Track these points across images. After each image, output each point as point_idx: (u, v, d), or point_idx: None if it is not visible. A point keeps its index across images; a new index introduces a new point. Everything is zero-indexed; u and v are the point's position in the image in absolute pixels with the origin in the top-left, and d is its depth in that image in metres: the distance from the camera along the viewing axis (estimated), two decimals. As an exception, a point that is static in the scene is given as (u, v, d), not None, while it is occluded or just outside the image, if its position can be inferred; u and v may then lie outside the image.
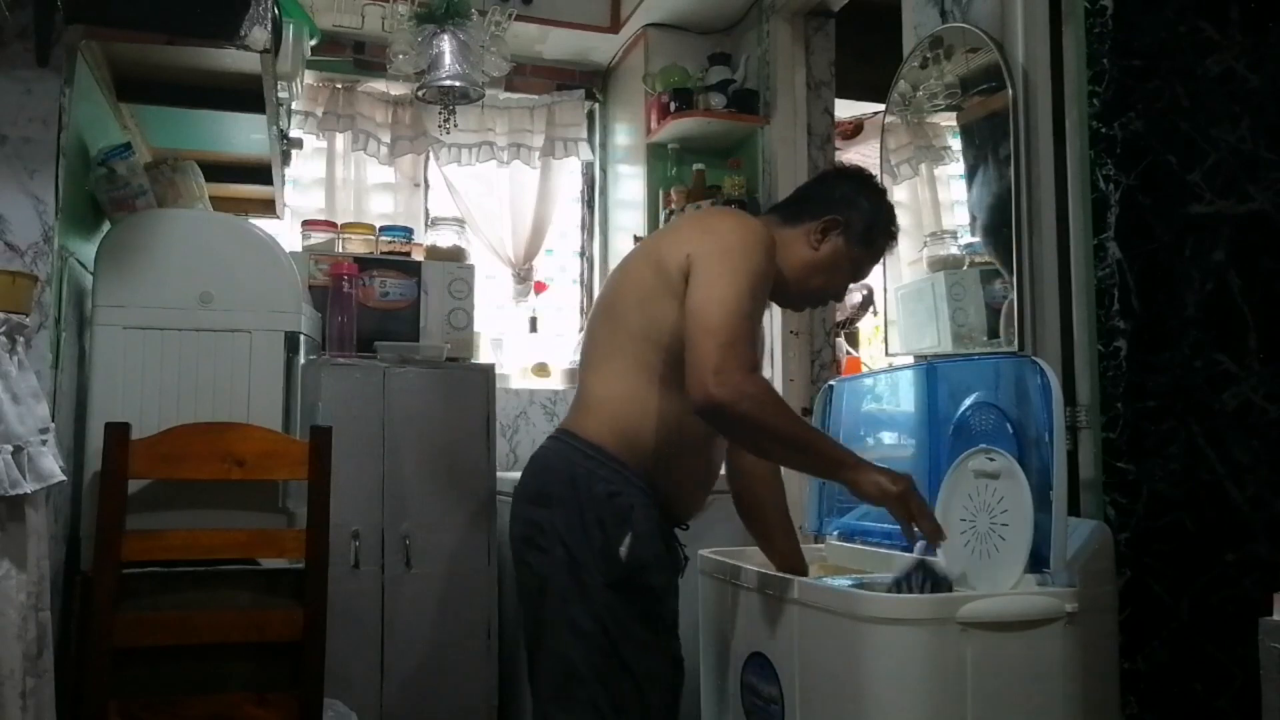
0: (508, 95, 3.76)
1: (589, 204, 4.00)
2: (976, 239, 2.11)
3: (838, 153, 3.71)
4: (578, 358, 1.83)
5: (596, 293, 3.92)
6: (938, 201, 2.32)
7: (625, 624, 1.57)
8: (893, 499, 1.55)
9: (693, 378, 1.50)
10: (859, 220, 1.75)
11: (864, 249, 1.77)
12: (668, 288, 1.61)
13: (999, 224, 1.98)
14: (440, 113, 2.92)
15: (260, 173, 2.71)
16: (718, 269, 1.56)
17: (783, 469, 1.87)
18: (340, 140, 3.60)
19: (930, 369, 2.00)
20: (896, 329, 2.36)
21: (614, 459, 1.61)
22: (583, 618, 1.55)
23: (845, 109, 3.78)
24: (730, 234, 1.62)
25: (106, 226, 2.18)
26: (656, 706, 1.61)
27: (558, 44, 3.68)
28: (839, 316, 3.65)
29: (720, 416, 1.50)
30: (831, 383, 2.28)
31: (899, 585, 1.63)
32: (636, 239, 3.50)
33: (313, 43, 2.98)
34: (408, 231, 3.15)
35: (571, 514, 1.58)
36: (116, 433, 1.89)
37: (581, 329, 3.77)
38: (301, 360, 2.26)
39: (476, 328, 3.11)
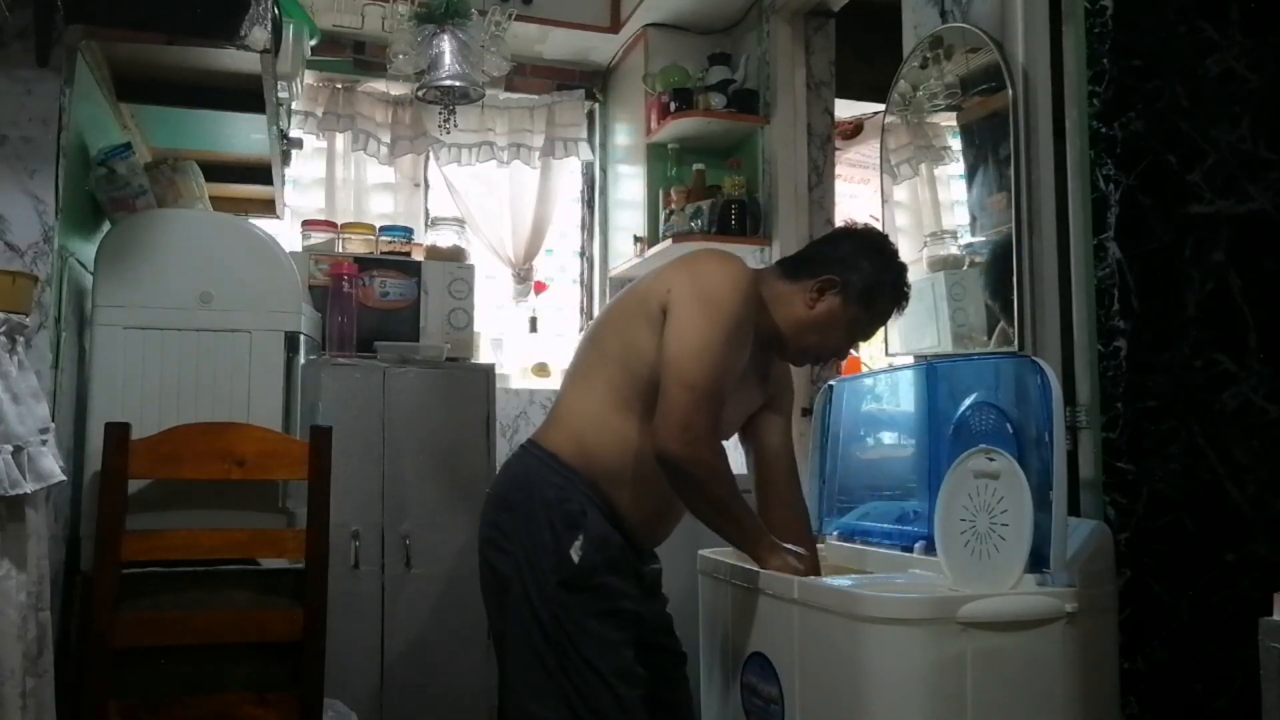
0: (508, 95, 3.76)
1: (589, 204, 4.00)
2: (976, 239, 2.11)
3: (838, 152, 3.71)
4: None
5: (597, 293, 3.92)
6: (938, 201, 2.32)
7: (580, 621, 1.62)
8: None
9: (661, 426, 1.60)
10: (858, 281, 1.75)
11: (862, 310, 1.77)
12: (645, 317, 1.68)
13: (1001, 276, 1.97)
14: (440, 113, 2.92)
15: (260, 173, 2.71)
16: (696, 316, 1.62)
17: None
18: (340, 140, 3.60)
19: (930, 369, 2.00)
20: (896, 329, 2.36)
21: (566, 467, 1.68)
22: (543, 613, 1.62)
23: (845, 109, 3.78)
24: (711, 279, 1.66)
25: (106, 226, 2.18)
26: (632, 700, 1.63)
27: (558, 44, 3.68)
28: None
29: (673, 470, 1.62)
30: (831, 383, 2.28)
31: None
32: (637, 239, 3.50)
33: (313, 43, 2.98)
34: (408, 231, 3.15)
35: (528, 517, 1.66)
36: (116, 433, 1.89)
37: (581, 330, 3.77)
38: (301, 360, 2.26)
39: (476, 328, 3.10)
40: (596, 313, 1.90)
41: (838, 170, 3.63)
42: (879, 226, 2.45)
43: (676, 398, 1.59)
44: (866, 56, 3.46)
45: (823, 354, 1.86)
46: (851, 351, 2.01)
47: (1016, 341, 1.91)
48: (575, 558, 1.62)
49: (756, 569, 1.80)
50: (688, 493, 1.66)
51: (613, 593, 1.65)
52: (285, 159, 2.90)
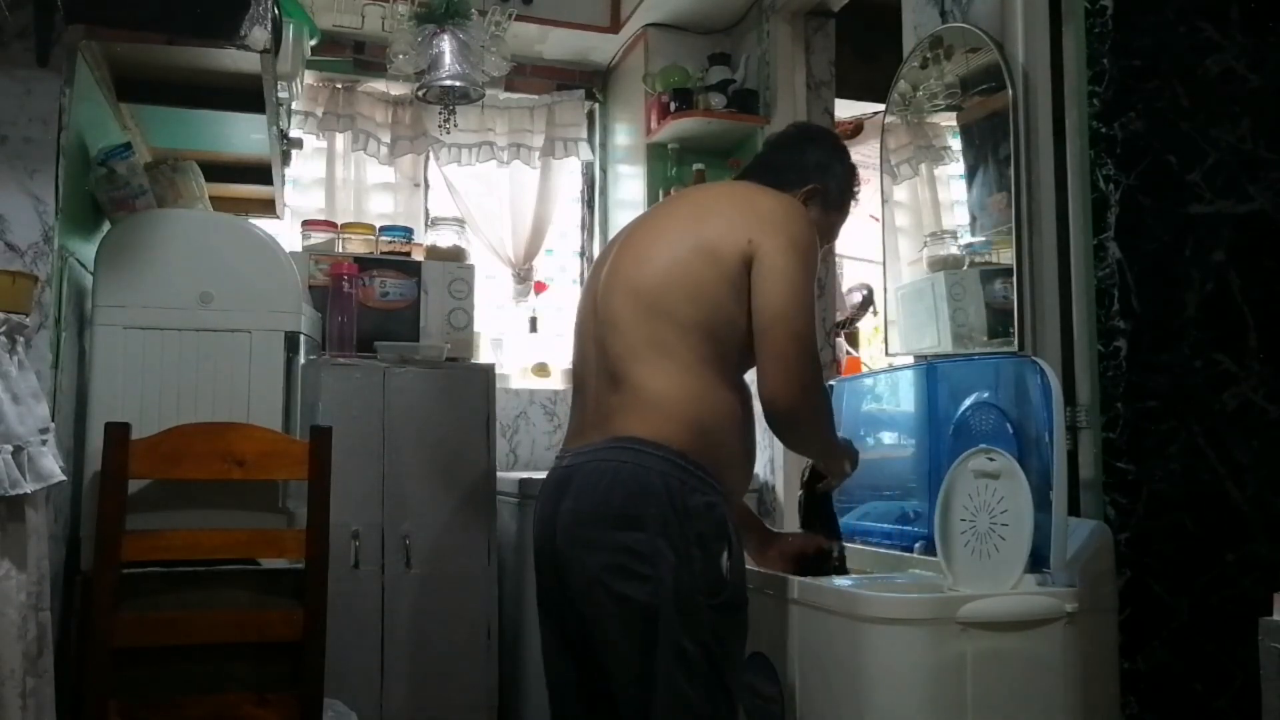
0: (508, 95, 3.76)
1: (589, 204, 4.00)
2: (976, 239, 2.11)
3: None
4: (577, 348, 1.69)
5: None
6: (938, 201, 2.32)
7: (729, 645, 1.46)
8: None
9: (781, 385, 1.47)
10: (835, 185, 1.75)
11: (838, 213, 1.78)
12: (724, 279, 1.51)
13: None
14: (440, 113, 2.92)
15: (260, 173, 2.71)
16: (794, 265, 1.50)
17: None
18: (340, 140, 3.60)
19: (930, 369, 2.00)
20: (896, 329, 2.36)
21: (700, 466, 1.47)
22: (691, 646, 1.41)
23: (845, 109, 3.78)
24: (795, 227, 1.55)
25: (106, 226, 2.18)
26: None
27: (558, 44, 3.68)
28: (839, 316, 3.65)
29: (793, 423, 1.53)
30: (831, 383, 2.28)
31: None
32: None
33: (313, 43, 2.98)
34: (408, 231, 3.15)
35: (673, 534, 1.42)
36: (116, 433, 1.89)
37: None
38: (301, 360, 2.26)
39: (476, 328, 3.11)
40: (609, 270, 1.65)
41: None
42: (879, 226, 2.45)
43: (793, 353, 1.47)
44: (866, 56, 3.46)
45: None
46: (851, 351, 2.01)
47: (1016, 341, 1.91)
48: (728, 574, 1.44)
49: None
50: (802, 439, 1.64)
51: (746, 603, 1.51)
52: (285, 159, 2.90)
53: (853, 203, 1.81)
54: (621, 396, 1.52)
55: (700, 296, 1.51)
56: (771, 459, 3.10)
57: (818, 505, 1.84)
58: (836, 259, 3.73)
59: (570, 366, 3.48)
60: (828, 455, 1.73)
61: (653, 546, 1.41)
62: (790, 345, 1.47)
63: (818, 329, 3.12)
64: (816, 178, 1.72)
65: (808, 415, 1.52)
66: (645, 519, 1.42)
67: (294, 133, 3.15)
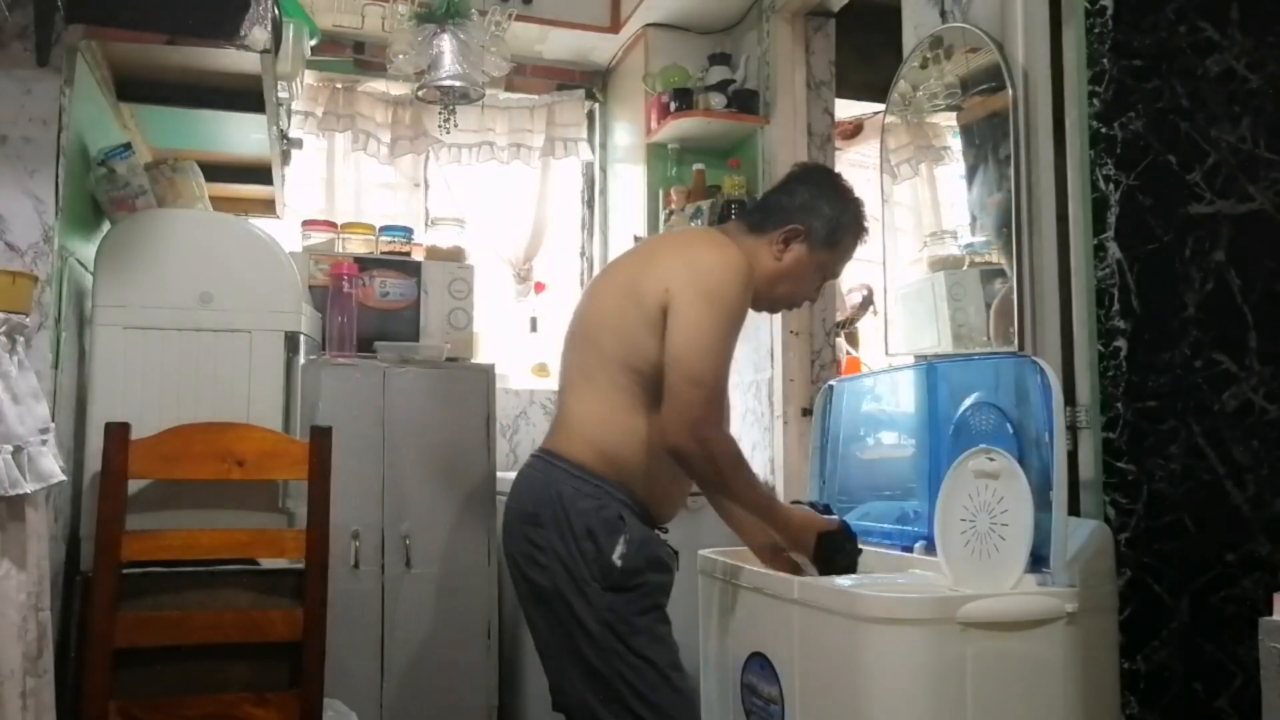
0: (508, 95, 3.76)
1: (589, 204, 4.00)
2: (976, 239, 2.11)
3: (838, 152, 3.71)
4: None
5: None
6: (938, 201, 2.32)
7: (630, 620, 1.64)
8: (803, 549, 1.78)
9: (671, 422, 1.63)
10: (821, 226, 1.81)
11: (829, 252, 1.84)
12: (644, 321, 1.69)
13: (999, 224, 1.98)
14: (440, 113, 2.92)
15: (260, 173, 2.71)
16: (700, 314, 1.65)
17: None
18: (340, 140, 3.60)
19: (930, 369, 2.00)
20: (896, 329, 2.36)
21: (594, 475, 1.70)
22: (591, 623, 1.63)
23: (845, 109, 3.78)
24: (711, 274, 1.68)
25: (106, 226, 2.18)
26: (688, 690, 1.68)
27: (558, 44, 3.68)
28: (839, 316, 3.65)
29: (687, 463, 1.66)
30: (831, 383, 2.28)
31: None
32: (636, 239, 3.50)
33: (313, 43, 2.98)
34: (408, 231, 3.15)
35: (563, 529, 1.67)
36: (116, 433, 1.89)
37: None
38: (301, 360, 2.26)
39: (476, 328, 3.10)
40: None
41: (838, 170, 3.62)
42: (879, 226, 2.45)
43: (685, 396, 1.62)
44: (866, 56, 3.46)
45: (795, 301, 1.91)
46: (851, 351, 2.03)
47: (1016, 341, 1.91)
48: (619, 561, 1.64)
49: (756, 569, 1.80)
50: (704, 483, 1.74)
51: (656, 589, 1.69)
52: (285, 159, 2.90)
53: (856, 241, 1.88)
54: (557, 415, 1.83)
55: (623, 334, 1.71)
56: (771, 458, 3.10)
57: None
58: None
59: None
60: (745, 506, 1.78)
61: (547, 539, 1.68)
62: (683, 388, 1.62)
63: (817, 329, 3.15)
64: (799, 218, 1.81)
65: (697, 454, 1.63)
66: (542, 517, 1.69)
67: (294, 133, 3.15)
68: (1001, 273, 1.98)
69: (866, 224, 1.88)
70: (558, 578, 1.66)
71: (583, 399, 1.76)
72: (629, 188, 3.71)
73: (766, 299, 1.86)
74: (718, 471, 1.67)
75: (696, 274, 1.68)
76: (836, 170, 2.01)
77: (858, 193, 1.91)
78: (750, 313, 1.80)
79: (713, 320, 1.65)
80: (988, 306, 2.05)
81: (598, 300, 1.82)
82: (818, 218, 1.81)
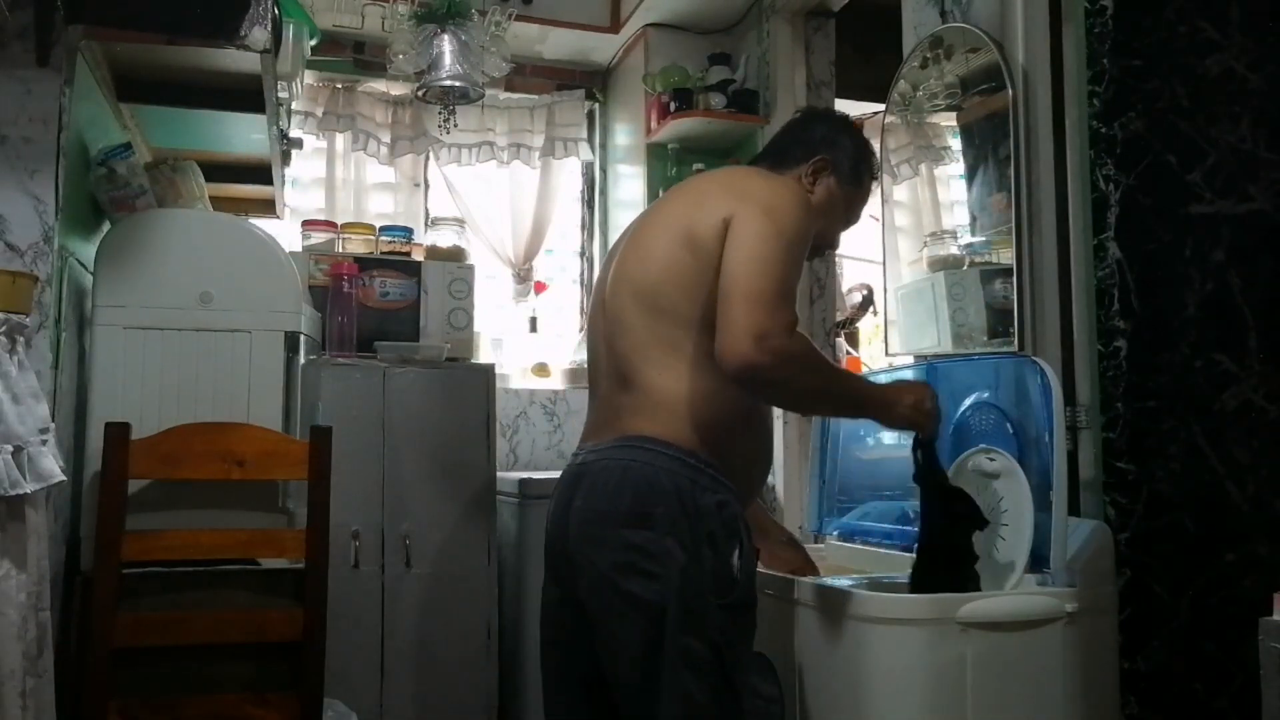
0: (508, 95, 3.76)
1: (589, 204, 4.00)
2: (976, 239, 2.11)
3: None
4: (590, 346, 1.68)
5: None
6: (938, 201, 2.32)
7: (737, 646, 1.44)
8: (920, 420, 1.58)
9: (727, 342, 1.37)
10: (845, 158, 1.68)
11: (854, 187, 1.70)
12: (711, 266, 1.45)
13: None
14: (440, 113, 2.92)
15: (260, 173, 2.71)
16: (758, 229, 1.43)
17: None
18: (340, 140, 3.60)
19: (930, 369, 2.00)
20: (896, 329, 2.36)
21: (710, 464, 1.45)
22: (699, 646, 1.39)
23: (845, 109, 3.77)
24: (770, 194, 1.50)
25: (106, 226, 2.18)
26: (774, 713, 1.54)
27: (558, 44, 3.68)
28: (839, 316, 3.65)
29: (760, 381, 1.39)
30: (831, 383, 2.27)
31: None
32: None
33: (313, 43, 2.98)
34: (408, 231, 3.15)
35: (682, 532, 1.40)
36: (116, 433, 1.89)
37: (582, 328, 3.77)
38: (301, 360, 2.26)
39: (476, 328, 3.10)
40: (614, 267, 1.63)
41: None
42: (879, 226, 2.45)
43: (739, 309, 1.37)
44: (866, 56, 3.46)
45: (826, 242, 1.73)
46: (851, 351, 2.01)
47: (1016, 341, 1.91)
48: (736, 571, 1.42)
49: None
50: (788, 399, 1.55)
51: (756, 603, 1.49)
52: (285, 159, 2.90)
53: (872, 180, 1.75)
54: (630, 395, 1.51)
55: (693, 290, 1.47)
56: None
57: (924, 470, 1.63)
58: (837, 259, 3.73)
59: (571, 366, 3.48)
60: (843, 404, 1.59)
61: (661, 545, 1.40)
62: (743, 306, 1.37)
63: (817, 329, 3.15)
64: (824, 150, 1.67)
65: (776, 368, 1.37)
66: (654, 517, 1.41)
67: (294, 133, 3.15)
68: (1001, 273, 1.98)
69: (879, 163, 1.77)
70: (669, 589, 1.38)
71: (667, 372, 1.47)
72: (629, 188, 3.71)
73: None
74: (805, 379, 1.43)
75: (754, 195, 1.49)
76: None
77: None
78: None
79: (775, 235, 1.43)
80: (988, 306, 2.05)
81: (647, 256, 1.55)
82: (840, 150, 1.68)
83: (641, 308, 1.52)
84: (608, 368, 1.57)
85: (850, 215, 1.73)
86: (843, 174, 1.67)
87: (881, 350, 2.45)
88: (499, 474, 2.83)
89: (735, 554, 1.42)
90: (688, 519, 1.41)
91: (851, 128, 1.74)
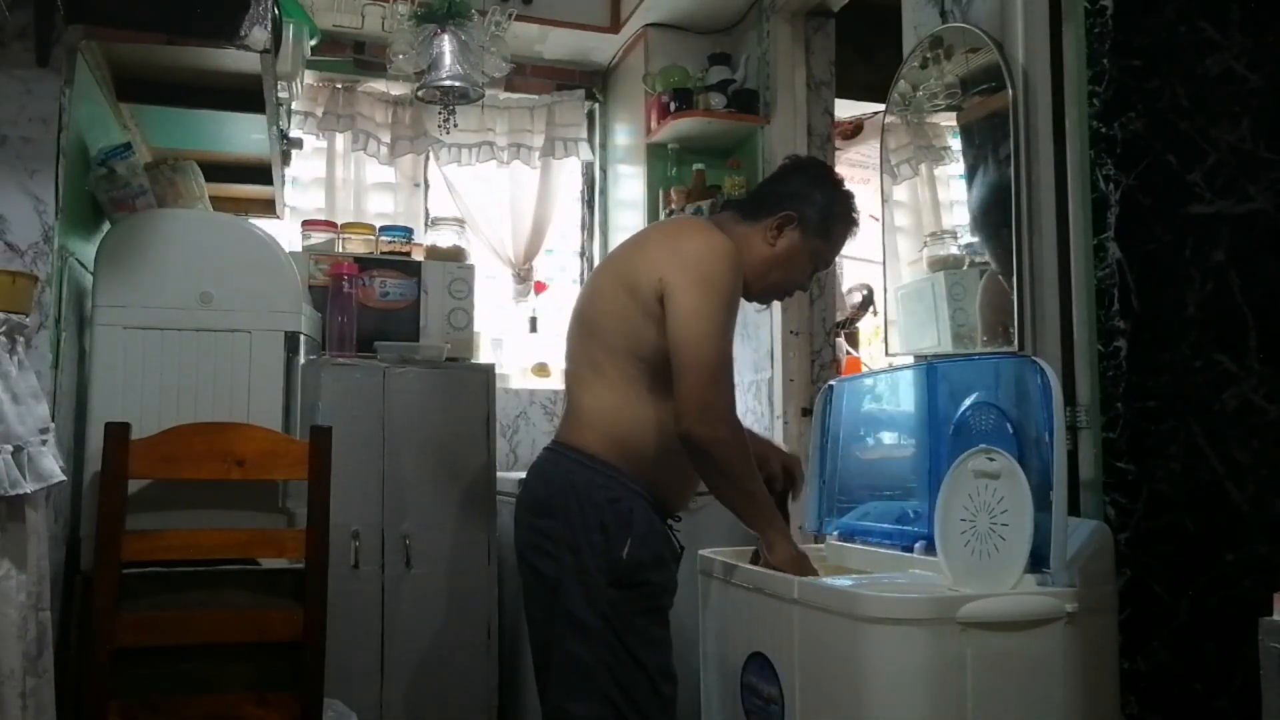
0: (508, 95, 3.76)
1: (589, 204, 4.00)
2: (976, 239, 2.11)
3: (838, 152, 3.71)
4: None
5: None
6: (938, 201, 2.32)
7: (628, 618, 1.66)
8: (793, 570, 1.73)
9: (682, 411, 1.64)
10: (813, 213, 1.84)
11: (821, 240, 1.87)
12: (642, 311, 1.71)
13: (998, 224, 1.98)
14: (440, 113, 2.92)
15: (260, 173, 2.71)
16: (695, 300, 1.67)
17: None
18: (340, 140, 3.60)
19: (930, 369, 2.00)
20: (896, 329, 2.36)
21: (610, 467, 1.71)
22: (589, 616, 1.65)
23: (845, 109, 3.78)
24: (703, 262, 1.70)
25: (106, 226, 2.18)
26: (671, 698, 1.69)
27: (558, 44, 3.68)
28: (839, 316, 3.65)
29: (698, 451, 1.66)
30: (831, 383, 2.28)
31: None
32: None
33: (313, 43, 2.98)
34: (408, 231, 3.15)
35: (574, 521, 1.69)
36: (116, 433, 1.89)
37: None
38: (301, 360, 2.26)
39: (476, 328, 3.10)
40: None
41: (838, 170, 3.63)
42: (879, 226, 2.45)
43: (693, 381, 1.63)
44: (866, 56, 3.46)
45: (788, 289, 1.93)
46: (850, 351, 2.03)
47: (1016, 341, 1.91)
48: (625, 556, 1.66)
49: (756, 569, 1.80)
50: (710, 471, 1.71)
51: (658, 589, 1.71)
52: (285, 159, 2.91)
53: (849, 230, 1.91)
54: (568, 408, 1.84)
55: (624, 325, 1.74)
56: (771, 459, 3.10)
57: None
58: (837, 259, 3.72)
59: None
60: (747, 503, 1.73)
61: (557, 531, 1.70)
62: (694, 376, 1.64)
63: (817, 329, 3.15)
64: (792, 204, 1.83)
65: (714, 444, 1.64)
66: (553, 507, 1.72)
67: (294, 133, 3.15)
68: (1002, 272, 1.98)
69: (857, 215, 1.91)
70: (563, 567, 1.68)
71: (593, 391, 1.77)
72: (629, 188, 3.71)
73: (760, 286, 1.87)
74: (723, 460, 1.67)
75: (686, 263, 1.70)
76: (831, 167, 2.02)
77: (853, 190, 1.93)
78: (751, 314, 1.82)
79: (709, 304, 1.67)
80: (987, 306, 2.05)
81: (597, 293, 1.84)
82: (810, 205, 1.84)
83: (583, 334, 1.83)
84: (566, 383, 1.90)
85: (819, 263, 1.92)
86: (809, 227, 1.85)
87: (882, 350, 2.45)
88: (499, 474, 2.83)
89: (626, 543, 1.66)
90: (581, 511, 1.68)
91: (827, 182, 1.90)
